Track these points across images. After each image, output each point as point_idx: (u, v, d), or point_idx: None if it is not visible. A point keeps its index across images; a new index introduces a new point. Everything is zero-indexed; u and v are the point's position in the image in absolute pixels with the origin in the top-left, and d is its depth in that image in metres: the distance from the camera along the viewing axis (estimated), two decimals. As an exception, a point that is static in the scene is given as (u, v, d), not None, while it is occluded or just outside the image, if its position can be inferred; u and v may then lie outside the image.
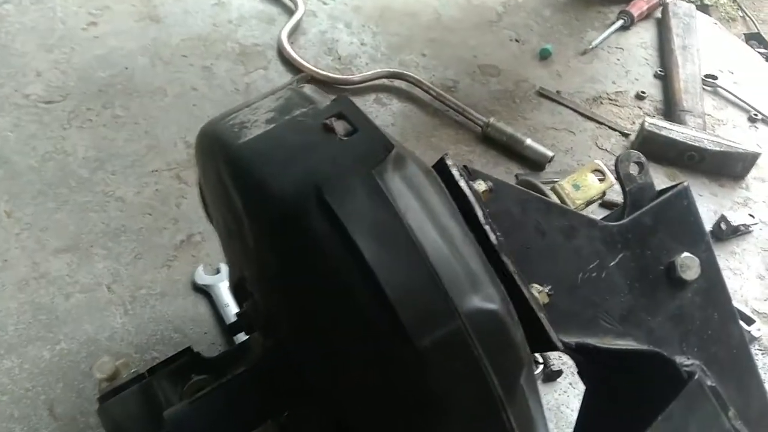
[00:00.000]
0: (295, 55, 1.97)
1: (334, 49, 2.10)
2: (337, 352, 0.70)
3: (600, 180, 1.07)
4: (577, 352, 0.92)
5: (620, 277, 0.96)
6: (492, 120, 1.87)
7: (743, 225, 1.83)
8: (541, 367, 1.37)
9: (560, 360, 1.40)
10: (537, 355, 1.39)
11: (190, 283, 1.46)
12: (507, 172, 1.83)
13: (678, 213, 1.00)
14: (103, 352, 1.36)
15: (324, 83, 1.95)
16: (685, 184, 1.02)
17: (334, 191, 0.68)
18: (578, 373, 1.19)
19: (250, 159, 0.73)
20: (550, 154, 1.82)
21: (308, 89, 0.85)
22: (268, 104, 0.82)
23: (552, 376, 1.38)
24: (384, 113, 1.93)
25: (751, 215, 1.87)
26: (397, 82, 2.02)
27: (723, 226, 1.80)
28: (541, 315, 0.85)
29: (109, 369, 0.88)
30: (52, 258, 1.47)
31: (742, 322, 1.49)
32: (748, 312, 1.62)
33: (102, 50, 1.97)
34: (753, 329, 1.54)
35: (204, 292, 1.44)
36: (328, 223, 0.67)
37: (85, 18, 2.03)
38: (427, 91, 1.97)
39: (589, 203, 1.06)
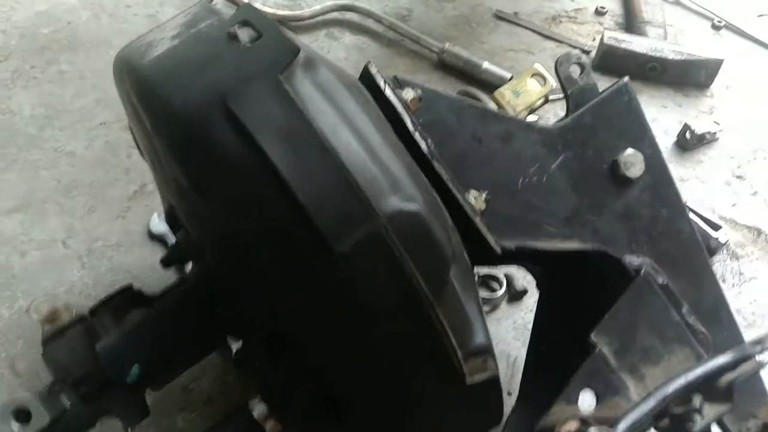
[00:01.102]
0: (241, -5, 1.92)
1: (282, -15, 2.05)
2: (260, 267, 0.68)
3: (541, 84, 1.04)
4: (519, 257, 0.91)
5: (563, 179, 0.95)
6: (447, 46, 1.84)
7: (708, 133, 1.81)
8: (504, 287, 1.36)
9: (525, 279, 1.40)
10: (501, 275, 1.38)
11: (146, 232, 1.44)
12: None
13: (619, 110, 0.99)
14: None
15: (273, 22, 1.90)
16: (626, 79, 1.00)
17: (238, 99, 0.66)
18: (536, 285, 1.18)
19: (154, 77, 0.70)
20: (508, 75, 1.79)
21: (218, 4, 0.82)
22: (175, 22, 0.80)
23: (517, 296, 1.38)
24: (336, 47, 1.89)
25: (716, 122, 1.85)
26: (348, 15, 1.98)
27: (688, 135, 1.78)
28: (476, 220, 0.84)
29: (46, 310, 0.87)
30: (5, 218, 1.45)
31: (709, 229, 1.49)
32: (715, 219, 1.61)
33: (43, 6, 1.92)
34: (720, 235, 1.53)
35: (160, 239, 1.42)
36: (235, 132, 0.65)
37: (23, -26, 1.97)
38: (379, 22, 1.94)
39: (531, 109, 1.04)
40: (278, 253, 0.66)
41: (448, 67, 1.85)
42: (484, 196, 0.89)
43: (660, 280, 0.95)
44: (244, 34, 0.71)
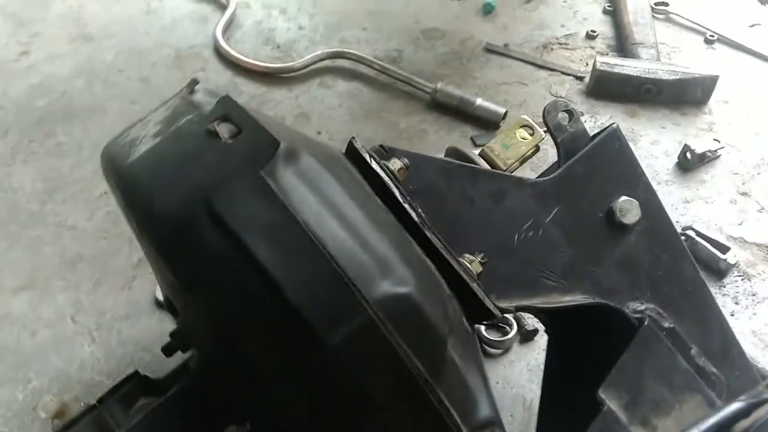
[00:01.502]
0: (231, 51, 1.95)
1: (272, 38, 2.07)
2: (254, 361, 0.68)
3: (530, 135, 1.04)
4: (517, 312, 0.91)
5: (558, 232, 0.95)
6: (440, 85, 1.85)
7: (709, 151, 1.81)
8: (515, 329, 1.35)
9: (533, 319, 1.39)
10: (510, 317, 1.38)
11: (153, 301, 1.45)
12: (462, 136, 1.81)
13: (610, 156, 0.98)
14: (75, 384, 1.36)
15: (265, 75, 1.93)
16: (615, 125, 1.00)
17: (222, 198, 0.66)
18: (545, 330, 1.18)
19: (137, 180, 0.71)
20: (502, 110, 1.80)
21: (200, 93, 0.83)
22: (157, 117, 0.80)
23: (528, 336, 1.37)
24: (330, 96, 1.90)
25: (716, 140, 1.84)
26: (339, 62, 1.99)
27: (688, 155, 1.77)
28: (474, 285, 0.83)
29: (54, 407, 0.87)
30: (13, 297, 1.46)
31: (717, 252, 1.48)
32: (723, 239, 1.60)
33: (37, 78, 1.95)
34: (729, 257, 1.52)
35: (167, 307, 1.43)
36: (220, 232, 0.65)
37: (16, 49, 2.01)
38: (370, 66, 1.95)
39: (523, 160, 1.04)
40: (271, 349, 0.66)
41: (442, 106, 1.86)
42: (479, 258, 0.88)
43: (666, 324, 0.94)
44: (224, 130, 0.71)
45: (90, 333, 1.41)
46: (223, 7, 2.12)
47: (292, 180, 0.69)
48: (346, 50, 1.98)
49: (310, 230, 0.65)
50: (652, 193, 0.98)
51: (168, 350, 0.87)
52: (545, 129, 1.03)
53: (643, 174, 0.99)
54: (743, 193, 1.76)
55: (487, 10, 2.20)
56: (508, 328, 1.39)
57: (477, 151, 1.05)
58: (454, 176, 0.93)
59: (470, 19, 2.20)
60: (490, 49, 2.08)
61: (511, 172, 1.03)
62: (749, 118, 1.98)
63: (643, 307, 0.94)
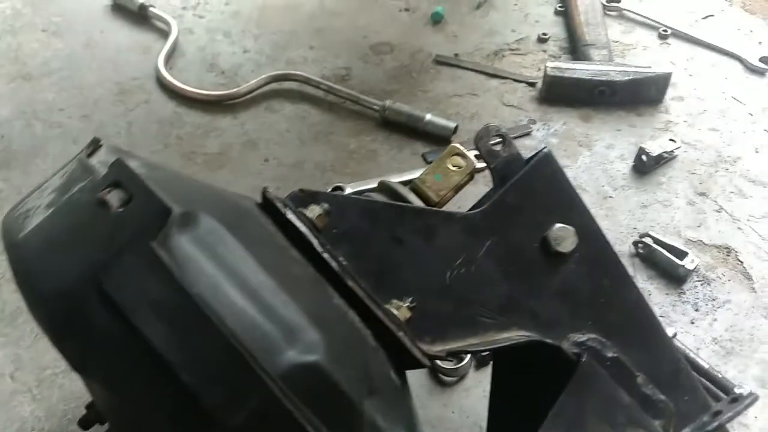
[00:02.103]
0: (174, 81, 1.91)
1: (216, 63, 2.03)
2: None
3: (462, 163, 1.01)
4: (449, 356, 0.88)
5: (492, 266, 0.92)
6: (388, 103, 1.82)
7: (666, 152, 1.79)
8: (469, 355, 1.33)
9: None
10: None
11: (98, 350, 1.40)
12: (413, 154, 1.78)
13: (543, 183, 0.96)
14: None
15: (209, 103, 1.89)
16: (545, 150, 0.97)
17: (111, 276, 0.63)
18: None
19: (25, 256, 0.67)
20: (452, 125, 1.77)
21: (101, 154, 0.79)
22: (53, 183, 0.77)
23: (483, 361, 1.34)
24: (277, 120, 1.87)
25: (672, 140, 1.82)
26: (286, 84, 1.96)
27: (644, 158, 1.75)
28: (400, 334, 0.80)
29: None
30: (-49, 358, 1.41)
31: (675, 258, 1.46)
32: (681, 244, 1.58)
33: (-26, 122, 1.89)
34: (687, 262, 1.50)
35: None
36: (109, 312, 0.62)
37: (-48, 92, 1.95)
38: (318, 87, 1.91)
39: (457, 190, 1.01)
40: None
41: (392, 123, 1.83)
42: (407, 303, 0.85)
43: (609, 354, 0.92)
44: (114, 198, 0.68)
45: (30, 390, 1.37)
46: (166, 35, 2.07)
47: (187, 249, 0.65)
48: (291, 72, 1.95)
49: (205, 304, 0.62)
50: (589, 218, 0.96)
51: (84, 423, 0.83)
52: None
53: (578, 198, 0.96)
54: (701, 194, 1.74)
55: (436, 20, 2.18)
56: (462, 354, 1.36)
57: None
58: (379, 216, 0.90)
59: (420, 30, 2.17)
60: (440, 61, 2.06)
61: (445, 204, 1.00)
62: (706, 113, 1.97)
63: (584, 338, 0.92)
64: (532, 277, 0.92)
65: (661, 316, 1.44)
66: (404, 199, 0.97)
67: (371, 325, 0.81)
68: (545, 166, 0.96)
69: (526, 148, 1.78)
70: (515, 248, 0.92)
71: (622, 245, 1.60)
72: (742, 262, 1.59)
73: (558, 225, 0.93)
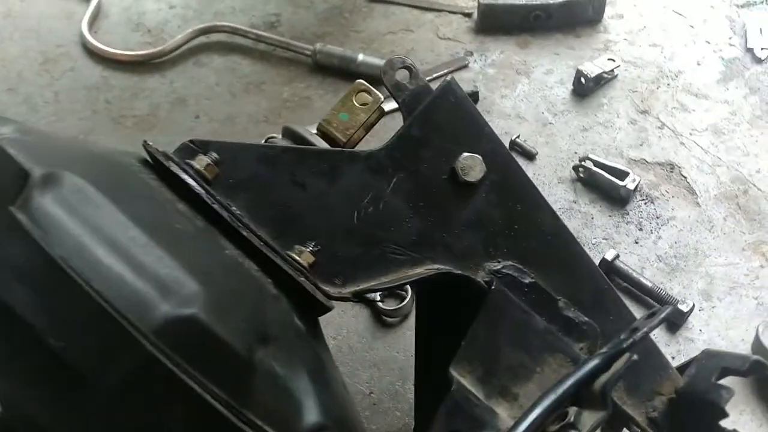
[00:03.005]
0: (98, 44, 1.87)
1: (142, 23, 1.98)
2: (38, 416, 0.63)
3: (368, 100, 0.99)
4: (359, 300, 0.87)
5: (401, 203, 0.91)
6: (319, 46, 1.79)
7: (605, 72, 1.77)
8: (410, 294, 1.32)
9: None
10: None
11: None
12: (348, 97, 1.74)
13: (447, 113, 0.94)
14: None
15: (136, 64, 1.85)
16: (448, 79, 0.95)
17: None
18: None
19: None
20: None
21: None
22: None
23: (426, 300, 1.33)
24: (206, 74, 1.84)
25: (611, 59, 1.81)
26: (214, 36, 1.92)
27: (582, 80, 1.74)
28: (301, 279, 0.79)
29: None
30: None
31: (615, 179, 1.46)
32: (624, 164, 1.58)
33: None
34: (627, 182, 1.50)
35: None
36: None
37: None
38: (246, 36, 1.87)
39: (368, 128, 0.99)
40: (50, 402, 0.61)
41: (325, 68, 1.81)
42: (310, 248, 0.84)
43: (527, 280, 0.91)
44: (-25, 167, 0.65)
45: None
46: (88, -2, 2.02)
47: (50, 210, 0.63)
48: (218, 24, 1.90)
49: (69, 265, 0.60)
50: (498, 144, 0.94)
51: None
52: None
53: (486, 125, 0.94)
54: (643, 112, 1.73)
55: (366, -43, 2.12)
56: (404, 293, 1.36)
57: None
58: (278, 162, 0.88)
59: (349, -31, 2.12)
60: (371, -1, 2.01)
61: (355, 144, 0.98)
62: (646, 30, 1.95)
63: (500, 266, 0.91)
64: (442, 210, 0.91)
65: (604, 239, 1.45)
66: (307, 143, 0.95)
67: (272, 273, 0.79)
68: (449, 95, 0.94)
69: (464, 80, 1.77)
70: (423, 182, 0.91)
71: (563, 171, 1.60)
72: (685, 177, 1.59)
73: (465, 154, 0.92)
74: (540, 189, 0.86)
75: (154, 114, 1.77)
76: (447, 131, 0.93)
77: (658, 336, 1.31)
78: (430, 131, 0.93)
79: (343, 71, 1.80)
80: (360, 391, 1.28)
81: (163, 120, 1.75)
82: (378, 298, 1.36)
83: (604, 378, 0.82)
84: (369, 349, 1.33)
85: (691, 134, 1.67)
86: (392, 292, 1.37)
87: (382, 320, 1.36)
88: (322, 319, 1.38)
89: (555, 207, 1.50)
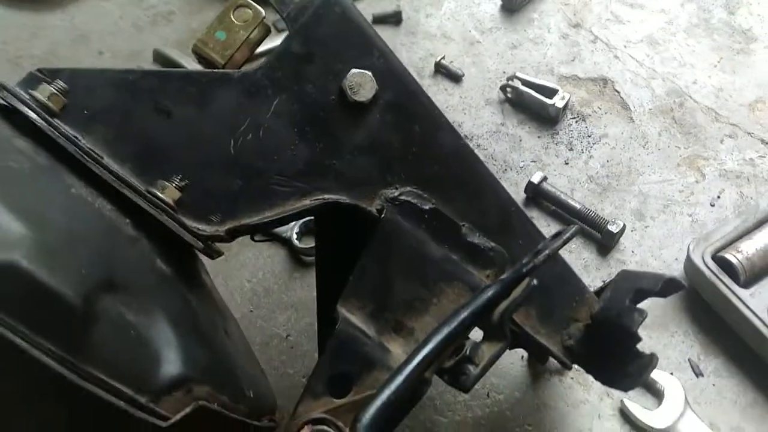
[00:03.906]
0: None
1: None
2: None
3: (250, 15, 0.90)
4: (236, 236, 0.80)
5: (284, 127, 0.83)
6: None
7: (535, -15, 1.67)
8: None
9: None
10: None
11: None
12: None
13: (332, 26, 0.86)
14: None
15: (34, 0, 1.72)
16: (349, -8, 0.86)
17: None
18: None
19: None
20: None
21: None
22: None
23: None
24: (110, 8, 1.73)
25: (541, -29, 1.71)
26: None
27: (510, -6, 1.64)
28: (163, 218, 0.72)
29: None
30: None
31: (543, 98, 1.38)
32: (554, 81, 1.51)
33: None
34: (556, 100, 1.43)
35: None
36: None
37: None
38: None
39: (251, 47, 0.90)
40: None
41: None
42: (175, 182, 0.76)
43: (427, 206, 0.84)
44: None
45: None
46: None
47: None
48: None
49: None
50: (390, 59, 0.86)
51: None
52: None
53: (376, 38, 0.86)
54: (575, 25, 1.65)
55: None
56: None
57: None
58: (140, 89, 0.79)
59: None
60: None
61: (238, 66, 0.89)
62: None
63: (397, 192, 0.83)
64: (331, 134, 0.83)
65: (532, 161, 1.39)
66: (177, 66, 0.86)
67: (130, 212, 0.72)
68: (333, 5, 0.85)
69: None
70: (309, 104, 0.83)
71: (490, 92, 1.52)
72: (618, 92, 1.53)
73: (353, 71, 0.83)
74: (466, 112, 0.79)
75: (54, 53, 1.65)
76: (332, 46, 0.85)
77: (588, 259, 1.26)
78: (313, 46, 0.84)
79: (256, -3, 1.68)
80: (276, 335, 1.22)
81: (63, 59, 1.63)
82: (294, 237, 1.29)
83: (502, 306, 0.76)
84: (286, 290, 1.27)
85: (625, 47, 1.60)
86: (309, 229, 1.30)
87: (299, 259, 1.29)
88: (237, 262, 1.32)
89: (482, 131, 1.46)
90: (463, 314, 0.72)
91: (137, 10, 1.71)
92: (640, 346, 0.81)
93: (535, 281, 0.76)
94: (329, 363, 0.72)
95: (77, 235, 0.64)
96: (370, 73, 0.84)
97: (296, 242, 1.28)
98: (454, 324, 0.72)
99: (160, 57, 0.89)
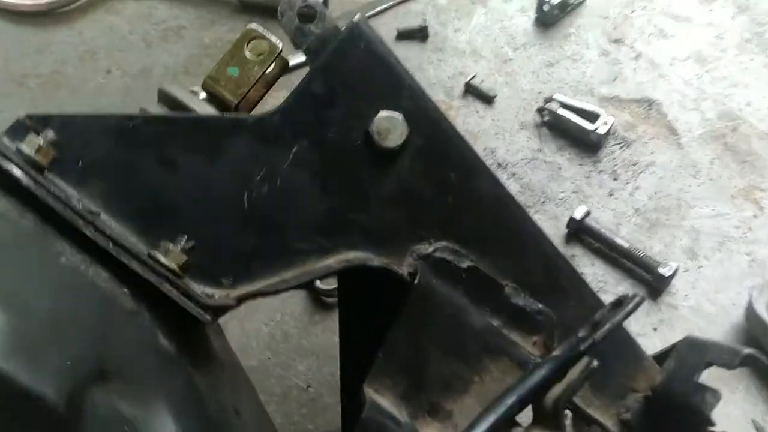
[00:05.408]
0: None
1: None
2: None
3: (266, 48, 0.83)
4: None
5: (304, 178, 0.76)
6: (244, -18, 1.60)
7: (571, -4, 1.59)
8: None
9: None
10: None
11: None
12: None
13: (357, 62, 0.78)
14: None
15: (40, 15, 1.68)
16: (355, 19, 0.78)
17: None
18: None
19: None
20: (319, -1, 1.55)
21: None
22: None
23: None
24: (119, 23, 1.67)
25: (578, -19, 1.63)
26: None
27: (545, 8, 1.58)
28: (165, 287, 0.64)
29: None
30: None
31: (584, 123, 1.30)
32: (595, 103, 1.43)
33: None
34: (598, 125, 1.35)
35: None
36: None
37: None
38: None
39: (267, 85, 0.83)
40: None
41: (251, 6, 1.63)
42: (181, 244, 0.69)
43: (465, 264, 0.76)
44: None
45: None
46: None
47: None
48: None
49: None
50: (422, 99, 0.78)
51: None
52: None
53: (407, 75, 0.78)
54: (616, 41, 1.57)
55: None
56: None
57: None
58: (140, 137, 0.72)
59: None
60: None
61: (253, 107, 0.82)
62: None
63: (431, 249, 0.76)
64: (357, 185, 0.76)
65: (573, 192, 1.30)
66: (186, 110, 0.78)
67: (129, 281, 0.64)
68: (358, 39, 0.78)
69: (412, 13, 1.60)
70: (331, 151, 0.76)
71: (525, 115, 1.44)
72: (665, 115, 1.44)
73: (382, 113, 0.76)
74: (500, 137, 0.71)
75: (61, 71, 1.59)
76: (357, 86, 0.77)
77: (636, 305, 1.17)
78: (336, 87, 0.77)
79: (272, 10, 1.61)
80: (296, 386, 1.15)
81: (70, 78, 1.58)
82: (315, 278, 1.22)
83: (557, 389, 0.68)
84: (306, 335, 1.20)
85: (671, 64, 1.51)
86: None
87: (320, 301, 1.22)
88: (252, 303, 1.24)
89: (517, 158, 1.38)
90: (511, 399, 0.65)
91: (147, 25, 1.65)
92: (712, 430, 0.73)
93: (595, 362, 0.67)
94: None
95: (65, 319, 0.57)
96: (401, 116, 0.76)
97: (318, 282, 1.21)
98: (500, 411, 0.64)
99: (166, 98, 0.81)
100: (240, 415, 0.73)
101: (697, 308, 1.17)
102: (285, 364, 1.17)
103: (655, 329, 1.09)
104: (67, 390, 0.52)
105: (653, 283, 1.19)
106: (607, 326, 0.69)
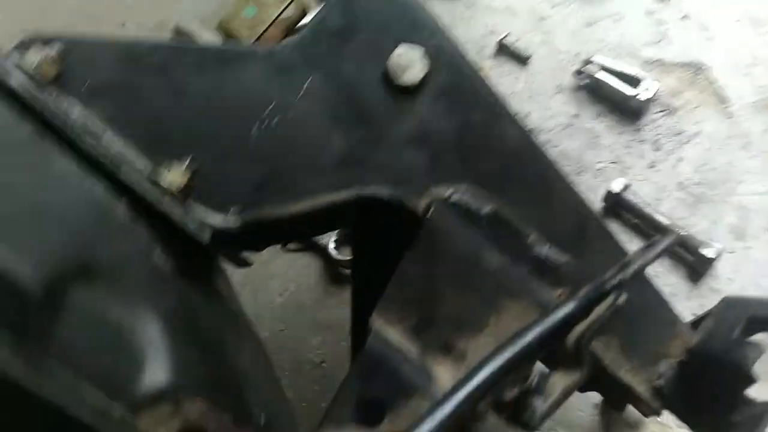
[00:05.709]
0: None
1: None
2: None
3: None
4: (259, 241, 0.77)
5: (317, 112, 0.80)
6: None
7: (616, -50, 1.62)
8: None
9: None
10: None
11: None
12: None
13: (376, -4, 0.81)
14: None
15: None
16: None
17: None
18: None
19: None
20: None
21: None
22: None
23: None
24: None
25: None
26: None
27: (588, -35, 1.59)
28: (162, 205, 0.69)
29: None
30: None
31: (625, 88, 1.33)
32: (638, 66, 1.45)
33: None
34: (641, 91, 1.37)
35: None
36: None
37: None
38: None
39: (285, 27, 0.87)
40: None
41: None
42: (185, 165, 0.73)
43: (485, 209, 0.79)
44: None
45: None
46: None
47: None
48: None
49: None
50: (443, 36, 0.82)
51: None
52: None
53: (426, 11, 0.82)
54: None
55: None
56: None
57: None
58: (150, 63, 0.76)
59: None
60: None
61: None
62: None
63: (450, 191, 0.79)
64: (373, 122, 0.80)
65: (612, 163, 1.34)
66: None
67: (129, 195, 0.69)
68: (375, -29, 0.81)
69: None
70: (347, 85, 0.80)
71: (562, 78, 1.47)
72: (714, 81, 1.47)
73: (399, 49, 0.79)
74: (534, 101, 0.74)
75: (74, 25, 1.64)
76: (377, 19, 0.81)
77: (676, 286, 1.20)
78: (354, 19, 0.81)
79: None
80: (309, 360, 1.19)
81: (84, 32, 1.62)
82: (331, 246, 1.25)
83: (579, 329, 0.71)
84: (321, 308, 1.24)
85: (721, 26, 1.53)
86: (349, 239, 1.26)
87: (336, 272, 1.25)
88: (266, 272, 1.29)
89: (552, 123, 1.41)
90: (531, 335, 0.68)
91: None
92: (752, 390, 0.75)
93: (623, 297, 0.70)
94: (358, 385, 0.68)
95: (51, 214, 0.62)
96: (421, 50, 0.80)
97: (334, 252, 1.25)
98: (518, 346, 0.67)
99: (179, 30, 0.86)
100: (241, 351, 0.77)
101: (743, 293, 1.19)
102: (298, 337, 1.21)
103: (694, 315, 1.11)
104: (46, 276, 0.55)
105: (695, 265, 1.21)
106: (637, 265, 0.71)
